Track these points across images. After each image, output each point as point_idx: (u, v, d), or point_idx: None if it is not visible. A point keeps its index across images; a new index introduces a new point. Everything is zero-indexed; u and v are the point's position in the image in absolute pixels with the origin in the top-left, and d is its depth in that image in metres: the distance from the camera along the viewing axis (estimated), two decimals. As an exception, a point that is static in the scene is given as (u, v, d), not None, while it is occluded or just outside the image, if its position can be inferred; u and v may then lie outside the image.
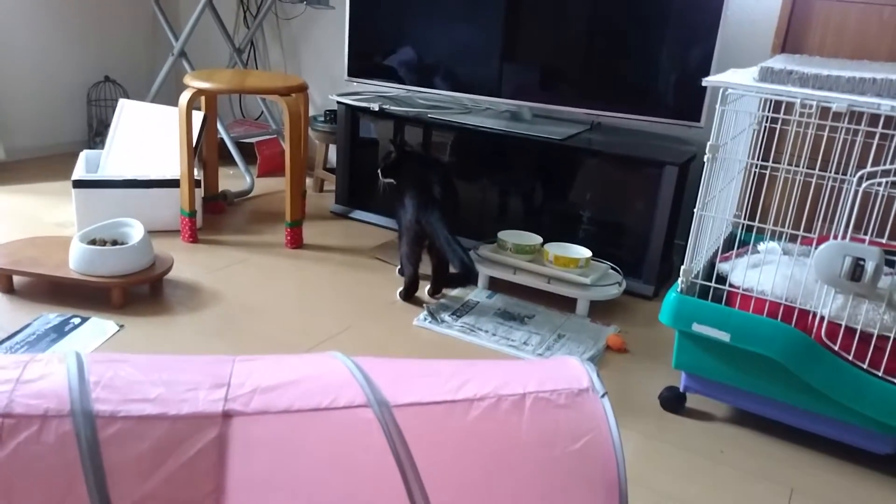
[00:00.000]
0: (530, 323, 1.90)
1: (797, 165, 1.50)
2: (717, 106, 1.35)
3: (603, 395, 0.95)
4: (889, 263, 1.34)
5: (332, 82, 3.13)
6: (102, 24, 3.24)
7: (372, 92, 2.67)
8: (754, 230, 1.54)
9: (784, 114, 1.45)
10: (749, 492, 1.32)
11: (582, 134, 2.29)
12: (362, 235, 2.48)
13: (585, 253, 2.02)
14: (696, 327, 1.42)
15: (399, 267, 2.10)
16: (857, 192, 1.30)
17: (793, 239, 1.59)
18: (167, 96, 3.08)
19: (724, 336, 1.39)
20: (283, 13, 3.20)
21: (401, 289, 2.00)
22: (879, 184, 1.36)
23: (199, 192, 2.34)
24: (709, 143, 1.37)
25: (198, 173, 2.33)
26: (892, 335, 1.30)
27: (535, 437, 0.89)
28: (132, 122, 2.50)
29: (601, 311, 2.00)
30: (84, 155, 2.44)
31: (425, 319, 1.88)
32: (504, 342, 1.79)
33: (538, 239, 2.10)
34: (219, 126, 2.71)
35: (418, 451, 0.83)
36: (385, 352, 1.72)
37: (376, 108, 2.44)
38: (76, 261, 1.81)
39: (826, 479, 1.37)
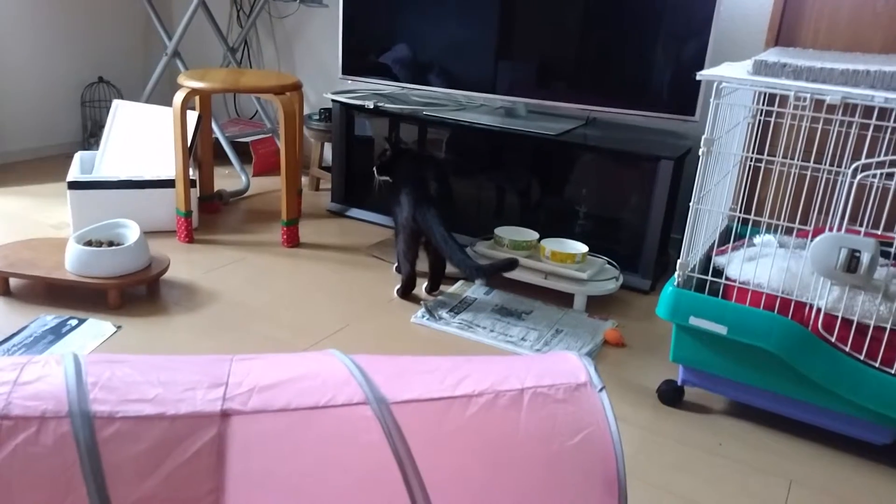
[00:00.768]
0: (528, 319, 1.90)
1: (792, 158, 1.50)
2: (712, 100, 1.35)
3: (601, 390, 0.95)
4: (884, 254, 1.35)
5: (326, 80, 3.12)
6: (96, 24, 3.23)
7: (366, 90, 2.67)
8: (750, 223, 1.54)
9: (778, 107, 1.46)
10: (748, 484, 1.33)
11: (577, 129, 2.29)
12: (359, 233, 2.48)
13: (582, 248, 2.03)
14: (693, 321, 1.42)
15: (396, 264, 2.10)
16: (851, 184, 1.30)
17: (788, 231, 1.60)
18: (161, 96, 3.07)
19: (721, 329, 1.40)
20: (276, 11, 3.19)
21: (398, 286, 2.00)
22: (874, 175, 1.36)
23: (195, 192, 2.34)
24: (703, 137, 1.37)
25: (193, 173, 2.33)
26: (888, 326, 1.31)
27: (534, 432, 0.89)
28: (127, 123, 2.49)
29: (598, 305, 2.00)
30: (79, 156, 2.44)
31: (423, 316, 1.88)
32: (502, 338, 1.79)
33: (535, 235, 2.10)
34: (213, 125, 2.70)
35: (417, 447, 0.83)
36: (383, 349, 1.72)
37: (371, 106, 2.44)
38: (72, 262, 1.80)
39: (824, 471, 1.38)
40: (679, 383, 1.55)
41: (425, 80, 2.42)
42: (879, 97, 1.24)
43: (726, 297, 1.44)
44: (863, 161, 1.33)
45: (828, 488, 1.33)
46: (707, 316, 1.41)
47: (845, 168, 1.34)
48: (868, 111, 1.40)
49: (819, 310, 1.35)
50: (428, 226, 1.87)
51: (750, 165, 1.71)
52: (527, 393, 0.92)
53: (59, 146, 3.17)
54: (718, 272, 1.51)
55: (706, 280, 1.46)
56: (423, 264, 2.00)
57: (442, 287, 2.05)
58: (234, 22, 3.32)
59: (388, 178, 2.04)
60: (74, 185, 2.20)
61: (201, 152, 2.54)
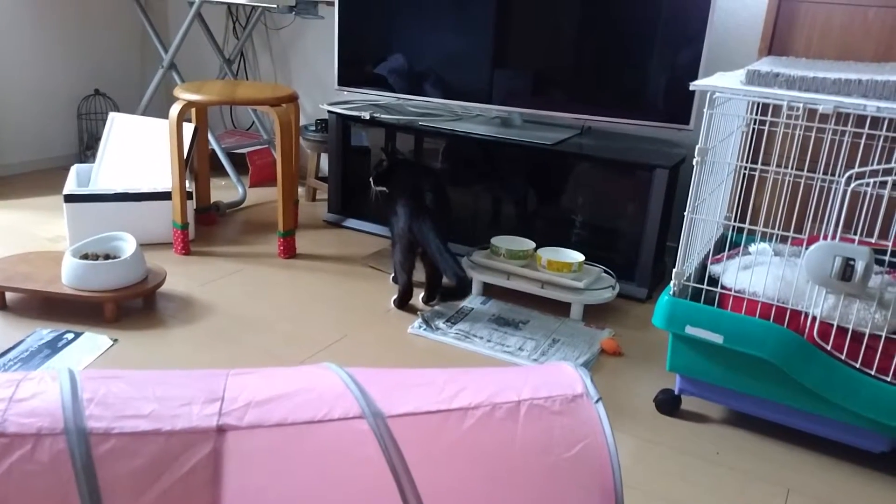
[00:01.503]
0: (525, 328, 1.90)
1: (786, 167, 1.51)
2: (705, 109, 1.36)
3: (597, 401, 0.95)
4: (879, 262, 1.35)
5: (322, 91, 3.13)
6: (92, 37, 3.24)
7: (362, 100, 2.68)
8: (745, 232, 1.55)
9: (771, 116, 1.46)
10: (746, 493, 1.33)
11: (572, 139, 2.30)
12: (355, 244, 2.48)
13: (578, 257, 2.03)
14: (690, 330, 1.42)
15: (393, 275, 2.10)
16: (845, 192, 1.31)
17: (784, 240, 1.60)
18: (158, 109, 3.08)
19: (718, 338, 1.40)
20: (272, 23, 3.21)
21: (395, 297, 2.00)
22: (868, 184, 1.37)
23: (191, 204, 2.34)
24: (697, 147, 1.38)
25: (189, 185, 2.33)
26: (883, 334, 1.31)
27: (531, 445, 0.89)
28: (123, 136, 2.49)
29: (595, 314, 2.00)
30: (75, 169, 2.44)
31: (420, 327, 1.88)
32: (499, 348, 1.79)
33: (531, 244, 2.10)
34: (210, 137, 2.71)
35: (414, 461, 0.83)
36: (380, 361, 1.72)
37: (367, 117, 2.44)
38: (69, 276, 1.80)
39: (822, 479, 1.38)
40: (676, 392, 1.55)
41: (421, 90, 2.43)
42: (871, 106, 1.25)
43: (722, 306, 1.45)
44: (856, 170, 1.34)
45: (825, 497, 1.33)
46: (703, 325, 1.41)
47: (838, 177, 1.34)
48: (861, 120, 1.41)
49: (814, 318, 1.36)
50: (424, 237, 1.87)
51: (744, 174, 1.71)
52: (523, 405, 0.92)
53: (55, 159, 3.17)
54: (714, 281, 1.51)
55: (702, 289, 1.46)
56: (420, 274, 2.00)
57: (439, 297, 2.05)
58: (230, 34, 3.33)
59: (384, 188, 2.04)
60: (71, 198, 2.20)
61: (198, 164, 2.54)
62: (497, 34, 2.27)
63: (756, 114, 1.63)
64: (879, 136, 1.59)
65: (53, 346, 1.68)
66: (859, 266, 1.30)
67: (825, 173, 1.56)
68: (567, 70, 2.22)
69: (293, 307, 1.97)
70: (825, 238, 1.34)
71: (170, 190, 2.25)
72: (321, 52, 3.10)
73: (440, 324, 1.90)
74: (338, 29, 2.51)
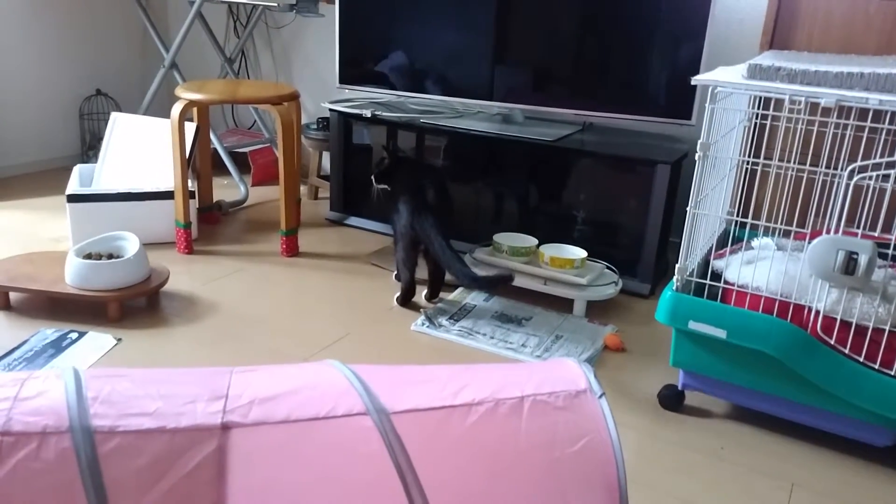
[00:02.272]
0: (528, 325, 1.90)
1: (789, 161, 1.50)
2: (707, 104, 1.36)
3: (601, 396, 0.95)
4: (882, 256, 1.35)
5: (324, 89, 3.13)
6: (93, 37, 3.24)
7: (364, 98, 2.68)
8: (748, 226, 1.55)
9: (774, 110, 1.46)
10: (750, 487, 1.33)
11: (574, 135, 2.30)
12: (358, 242, 2.48)
13: (581, 253, 2.03)
14: (693, 325, 1.42)
15: (395, 272, 2.10)
16: (848, 186, 1.31)
17: (786, 234, 1.60)
18: (159, 108, 3.08)
19: (721, 333, 1.40)
20: (273, 22, 3.21)
21: (398, 294, 2.00)
22: (870, 177, 1.36)
23: (194, 203, 2.34)
24: (699, 142, 1.38)
25: (192, 184, 2.33)
26: (886, 327, 1.31)
27: (535, 440, 0.89)
28: (125, 135, 2.50)
29: (598, 310, 2.00)
30: (78, 169, 2.45)
31: (423, 324, 1.88)
32: (502, 345, 1.79)
33: (533, 241, 2.10)
34: (212, 136, 2.71)
35: (418, 457, 0.83)
36: (384, 358, 1.73)
37: (368, 115, 2.44)
38: (72, 275, 1.81)
39: (826, 473, 1.38)
40: (679, 388, 1.55)
41: (422, 87, 2.43)
42: (874, 99, 1.24)
43: (725, 301, 1.44)
44: (859, 163, 1.33)
45: (830, 491, 1.33)
46: (706, 320, 1.41)
47: (841, 170, 1.34)
48: (863, 113, 1.41)
49: (818, 312, 1.35)
50: (426, 234, 1.87)
51: (747, 169, 1.71)
52: (527, 401, 0.92)
53: (57, 159, 3.18)
54: (717, 276, 1.51)
55: (705, 284, 1.46)
56: (422, 272, 2.01)
57: (442, 294, 2.05)
58: (230, 33, 3.33)
59: (386, 186, 2.04)
60: (74, 198, 2.21)
61: (200, 163, 2.54)
62: (497, 31, 2.27)
63: (759, 108, 1.63)
64: (882, 129, 1.59)
65: (58, 346, 1.68)
66: (862, 260, 1.29)
67: (828, 167, 1.56)
68: (568, 66, 2.22)
69: (296, 305, 1.97)
70: (828, 232, 1.34)
71: (172, 189, 2.25)
72: (322, 51, 3.10)
73: (443, 321, 1.90)
74: (339, 27, 2.51)
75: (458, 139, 2.40)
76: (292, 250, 2.31)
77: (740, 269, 1.47)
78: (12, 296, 1.88)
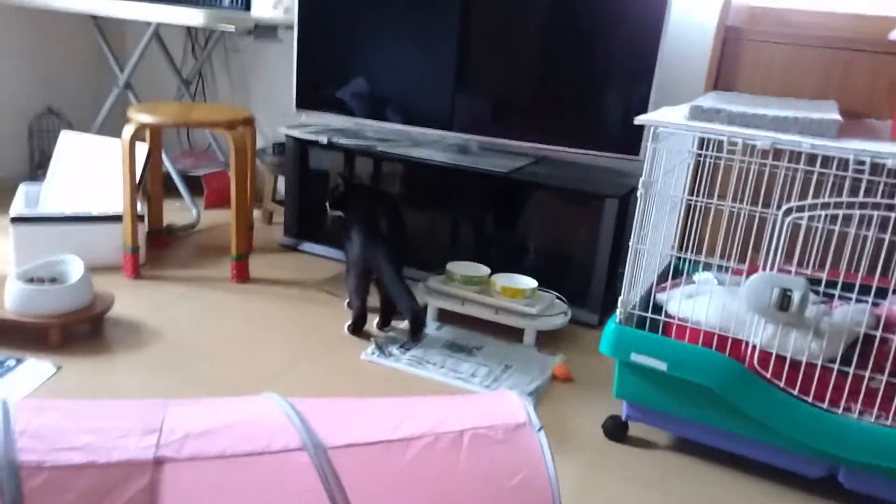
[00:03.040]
0: (478, 354, 1.92)
1: (732, 200, 1.55)
2: (649, 144, 1.40)
3: (539, 430, 0.96)
4: (815, 292, 1.40)
5: (281, 114, 3.13)
6: (45, 53, 3.19)
7: (321, 124, 2.68)
8: (690, 261, 1.59)
9: (714, 151, 1.51)
10: (689, 519, 1.35)
11: (527, 167, 2.34)
12: (311, 268, 2.47)
13: (532, 283, 2.05)
14: (635, 357, 1.45)
15: (348, 300, 2.09)
16: (783, 224, 1.36)
17: (727, 269, 1.65)
18: (113, 128, 3.03)
19: (662, 365, 1.43)
20: (231, 45, 3.20)
21: (349, 322, 2.00)
22: (803, 217, 1.42)
23: (143, 227, 2.30)
24: (641, 180, 1.42)
25: (141, 208, 2.30)
26: (819, 362, 1.35)
27: (473, 475, 0.90)
28: (74, 155, 2.45)
29: (548, 340, 2.02)
30: (23, 188, 2.39)
31: (373, 353, 1.88)
32: (452, 374, 1.80)
33: (486, 270, 2.12)
34: (164, 159, 2.68)
35: (355, 493, 0.83)
36: (333, 388, 1.71)
37: (325, 142, 2.45)
38: (13, 300, 1.76)
39: (763, 504, 1.41)
40: (623, 419, 1.57)
41: (380, 115, 2.44)
42: (806, 143, 1.30)
43: (667, 334, 1.48)
44: (794, 203, 1.39)
45: (766, 522, 1.36)
46: (648, 352, 1.44)
47: (776, 210, 1.39)
48: (798, 155, 1.47)
49: (755, 347, 1.40)
50: (377, 263, 1.88)
51: (690, 205, 1.76)
52: (466, 434, 0.93)
53: (4, 179, 3.09)
54: (659, 309, 1.55)
55: (647, 317, 1.49)
56: (375, 300, 2.00)
57: (393, 323, 2.05)
58: (188, 54, 3.31)
59: (340, 212, 2.04)
60: (18, 220, 2.15)
61: (151, 186, 2.51)
62: (457, 63, 2.31)
63: (701, 148, 1.68)
64: (814, 171, 1.66)
65: (-7, 373, 1.63)
66: (796, 296, 1.34)
67: (765, 206, 1.62)
68: (524, 100, 2.26)
69: (245, 333, 1.95)
70: (763, 269, 1.39)
71: (121, 213, 2.21)
72: (281, 75, 3.10)
73: (394, 350, 1.90)
74: (297, 51, 2.52)
75: (414, 168, 2.41)
76: (243, 276, 2.29)
77: (681, 303, 1.51)
78: (-53, 320, 1.82)
